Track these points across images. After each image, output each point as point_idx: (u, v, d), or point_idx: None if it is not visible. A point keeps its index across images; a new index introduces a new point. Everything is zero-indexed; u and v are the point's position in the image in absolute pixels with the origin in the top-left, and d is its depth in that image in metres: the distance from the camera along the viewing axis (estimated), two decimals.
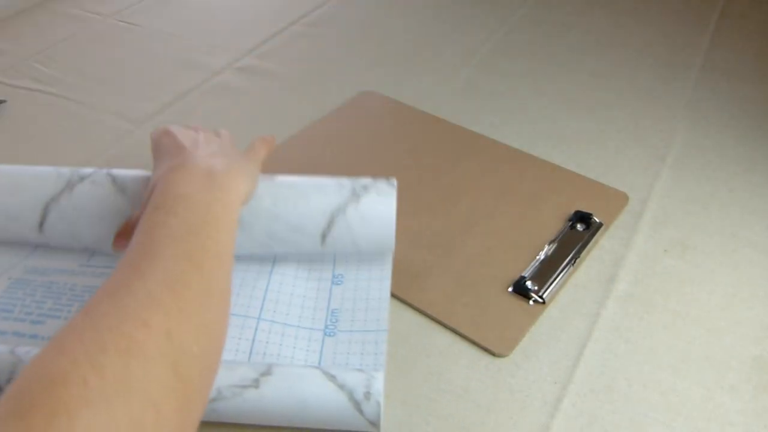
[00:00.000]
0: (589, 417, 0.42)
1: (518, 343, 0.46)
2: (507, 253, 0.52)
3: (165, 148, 0.45)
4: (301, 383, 0.40)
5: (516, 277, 0.50)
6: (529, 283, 0.50)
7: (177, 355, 0.30)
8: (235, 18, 0.89)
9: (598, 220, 0.55)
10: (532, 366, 0.45)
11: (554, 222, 0.55)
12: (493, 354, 0.46)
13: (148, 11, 0.91)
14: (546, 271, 0.51)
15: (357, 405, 0.39)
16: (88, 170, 0.49)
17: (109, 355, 0.28)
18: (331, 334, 0.46)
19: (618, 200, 0.57)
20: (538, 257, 0.52)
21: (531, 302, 0.49)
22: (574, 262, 0.51)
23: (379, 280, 0.49)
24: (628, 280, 0.51)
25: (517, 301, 0.49)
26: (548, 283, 0.50)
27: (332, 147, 0.60)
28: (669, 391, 0.43)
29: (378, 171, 0.56)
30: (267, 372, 0.40)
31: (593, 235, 0.54)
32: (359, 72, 0.77)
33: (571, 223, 0.55)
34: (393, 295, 0.50)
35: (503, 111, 0.70)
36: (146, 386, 0.28)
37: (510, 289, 0.49)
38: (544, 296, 0.49)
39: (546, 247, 0.53)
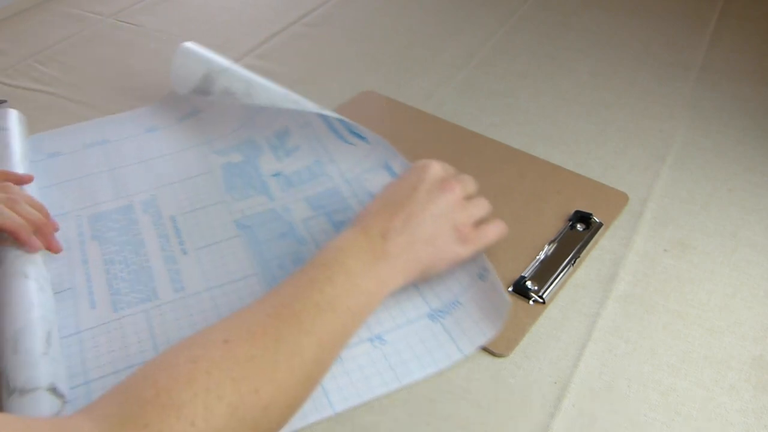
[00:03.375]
0: (589, 417, 0.42)
1: (518, 343, 0.46)
2: (507, 253, 0.52)
3: (396, 190, 0.46)
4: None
5: (516, 277, 0.50)
6: (529, 283, 0.50)
7: (256, 413, 0.34)
8: (235, 18, 0.89)
9: (598, 220, 0.55)
10: (532, 366, 0.45)
11: (554, 222, 0.55)
12: (493, 354, 0.46)
13: (148, 11, 0.91)
14: (546, 271, 0.51)
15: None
16: None
17: (211, 397, 0.32)
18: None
19: (618, 200, 0.57)
20: (538, 257, 0.52)
21: (531, 302, 0.49)
22: (574, 262, 0.51)
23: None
24: (628, 280, 0.51)
25: (517, 301, 0.49)
26: (548, 283, 0.50)
27: None
28: (669, 391, 0.43)
29: None
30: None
31: (593, 235, 0.54)
32: (359, 72, 0.77)
33: (571, 223, 0.55)
34: None
35: (503, 111, 0.70)
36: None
37: (510, 289, 0.49)
38: (544, 296, 0.49)
39: (546, 247, 0.53)
